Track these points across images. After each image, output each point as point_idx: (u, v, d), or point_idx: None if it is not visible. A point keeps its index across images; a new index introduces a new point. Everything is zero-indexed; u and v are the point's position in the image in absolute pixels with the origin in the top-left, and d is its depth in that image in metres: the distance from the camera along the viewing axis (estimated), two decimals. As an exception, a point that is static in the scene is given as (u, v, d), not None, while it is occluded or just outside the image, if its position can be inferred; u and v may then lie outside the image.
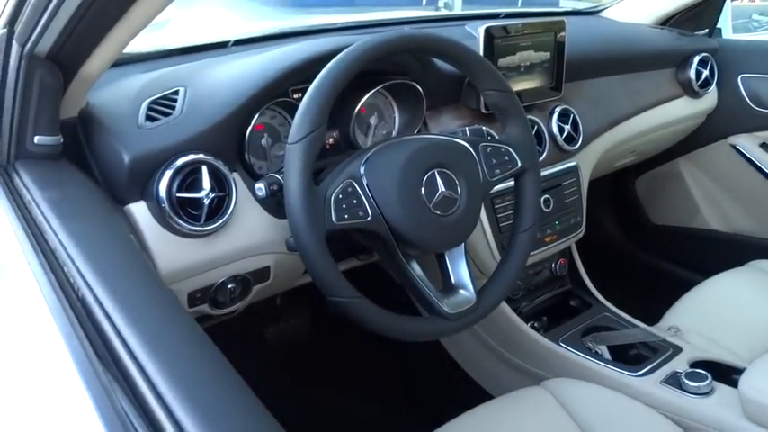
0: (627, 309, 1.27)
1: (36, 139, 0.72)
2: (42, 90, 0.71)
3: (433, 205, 0.80)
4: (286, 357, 1.56)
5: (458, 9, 2.48)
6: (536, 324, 1.25)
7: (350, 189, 0.76)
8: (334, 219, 0.74)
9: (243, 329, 1.53)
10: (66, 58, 0.70)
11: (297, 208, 0.71)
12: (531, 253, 1.09)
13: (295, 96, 0.90)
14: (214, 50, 1.09)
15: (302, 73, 0.86)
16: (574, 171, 1.28)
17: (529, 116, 1.07)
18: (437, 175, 0.81)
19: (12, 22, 0.69)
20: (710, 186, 1.71)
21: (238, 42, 1.13)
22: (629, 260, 1.92)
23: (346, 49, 0.77)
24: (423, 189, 0.80)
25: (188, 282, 0.82)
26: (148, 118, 0.80)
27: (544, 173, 1.18)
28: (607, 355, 1.13)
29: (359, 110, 0.96)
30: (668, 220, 1.83)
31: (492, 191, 0.98)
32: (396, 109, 1.06)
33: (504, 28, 1.11)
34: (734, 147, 1.61)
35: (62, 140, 0.76)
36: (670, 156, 1.74)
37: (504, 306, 1.19)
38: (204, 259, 0.81)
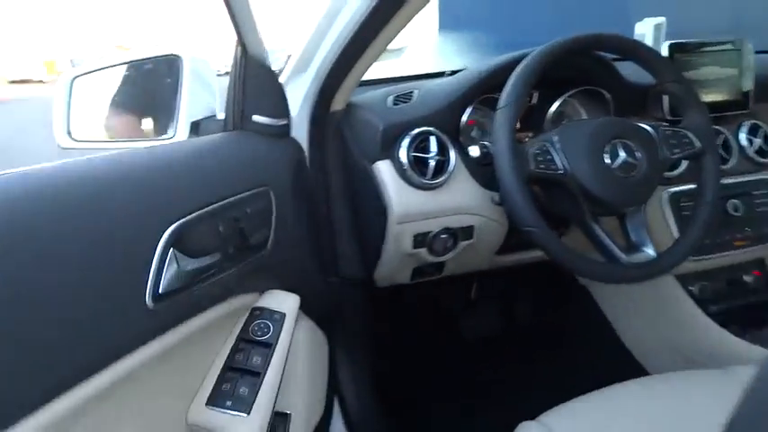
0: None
1: (253, 117, 0.96)
2: (258, 84, 0.97)
3: (615, 167, 0.97)
4: (481, 349, 1.71)
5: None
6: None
7: (545, 148, 0.97)
8: (532, 167, 0.95)
9: (437, 324, 1.73)
10: (333, 77, 1.01)
11: (504, 156, 0.93)
12: (723, 254, 1.16)
13: (497, 95, 1.15)
14: (433, 78, 1.41)
15: (501, 75, 1.08)
16: (766, 182, 1.32)
17: (715, 126, 1.18)
18: (619, 144, 0.98)
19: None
20: None
21: (453, 73, 1.44)
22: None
23: (538, 47, 1.01)
24: (607, 153, 0.97)
25: (413, 225, 1.07)
26: (394, 103, 1.12)
27: (732, 180, 1.26)
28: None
29: (552, 115, 1.18)
30: None
31: (675, 190, 1.11)
32: (584, 115, 1.25)
33: (686, 45, 1.25)
34: None
35: (283, 123, 1.00)
36: None
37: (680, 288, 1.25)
38: (427, 208, 1.06)
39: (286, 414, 0.93)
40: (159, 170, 0.73)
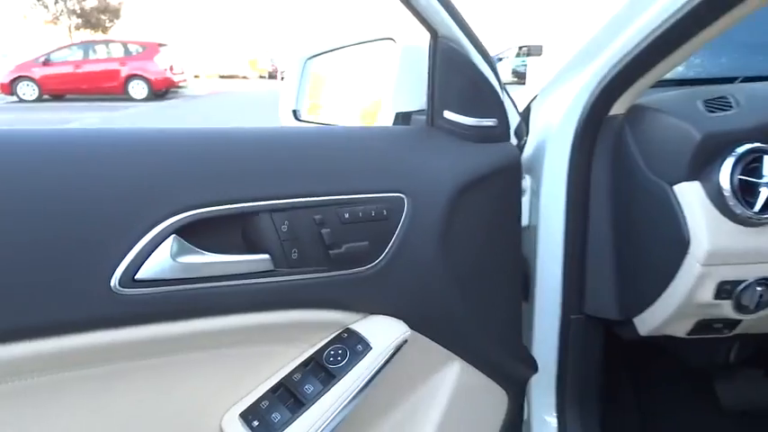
0: None
1: (445, 113, 0.80)
2: (453, 76, 0.79)
3: None
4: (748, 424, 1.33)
5: None
6: None
7: None
8: None
9: (685, 384, 1.38)
10: (627, 73, 0.79)
11: None
12: None
13: None
14: (722, 83, 1.10)
15: None
16: None
17: None
18: None
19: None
20: None
21: (746, 79, 1.14)
22: None
23: None
24: None
25: (721, 269, 0.78)
26: (707, 110, 0.84)
27: None
28: None
29: None
30: None
31: None
32: None
33: None
34: None
35: (487, 124, 0.80)
36: None
37: None
38: (748, 250, 0.78)
39: None
40: (188, 150, 0.63)
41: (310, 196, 0.66)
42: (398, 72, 0.98)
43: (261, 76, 26.61)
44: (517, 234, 0.87)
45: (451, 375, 0.81)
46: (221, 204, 0.61)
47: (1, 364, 0.53)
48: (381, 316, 0.72)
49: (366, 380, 0.67)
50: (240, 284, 0.62)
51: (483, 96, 0.80)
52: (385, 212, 0.70)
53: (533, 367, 0.94)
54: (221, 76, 26.21)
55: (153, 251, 0.56)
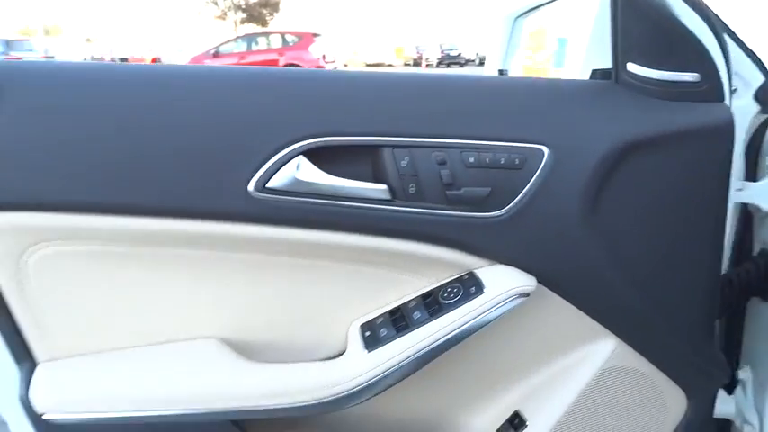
0: None
1: (628, 65, 0.69)
2: (640, 21, 0.68)
3: None
4: None
5: None
6: None
7: None
8: None
9: None
10: None
11: None
12: None
13: None
14: None
15: None
16: None
17: None
18: None
19: None
20: None
21: None
22: None
23: None
24: None
25: None
26: None
27: None
28: None
29: None
30: None
31: None
32: None
33: None
34: None
35: (687, 79, 0.67)
36: None
37: None
38: None
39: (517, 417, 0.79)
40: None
41: (434, 137, 0.68)
42: (595, 24, 0.89)
43: (406, 64, 26.97)
44: (715, 217, 0.71)
45: (602, 354, 0.75)
46: (344, 135, 0.67)
47: (158, 234, 0.66)
48: (508, 266, 0.70)
49: (472, 320, 0.68)
50: (356, 206, 0.67)
51: (678, 46, 0.67)
52: (517, 162, 0.68)
53: (725, 374, 0.80)
54: (367, 65, 26.94)
55: (282, 167, 0.65)
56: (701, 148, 0.69)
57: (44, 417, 0.66)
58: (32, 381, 0.66)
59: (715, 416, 0.84)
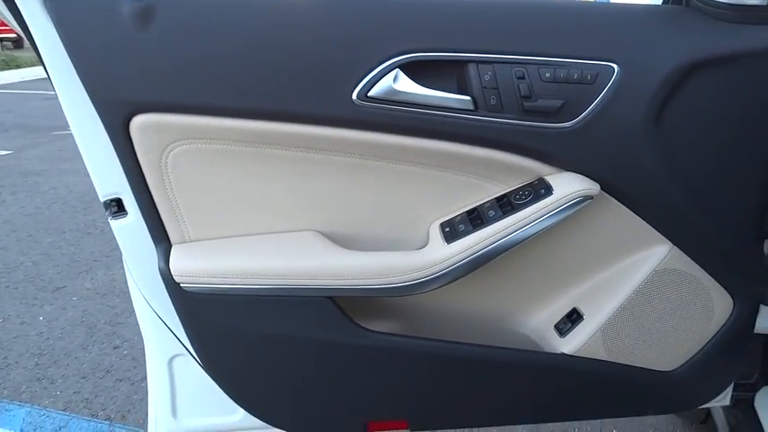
0: None
1: None
2: None
3: None
4: None
5: None
6: None
7: None
8: None
9: None
10: None
11: None
12: None
13: None
14: None
15: None
16: None
17: None
18: None
19: None
20: None
21: None
22: None
23: None
24: None
25: None
26: None
27: None
28: None
29: None
30: None
31: None
32: None
33: None
34: None
35: (752, 2, 0.71)
36: None
37: None
38: None
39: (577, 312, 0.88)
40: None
41: (515, 54, 0.74)
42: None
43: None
44: None
45: (657, 256, 0.83)
46: (436, 51, 0.73)
47: (275, 135, 0.75)
48: (575, 174, 0.77)
49: (541, 218, 0.77)
50: (445, 115, 0.74)
51: None
52: (589, 77, 0.73)
53: None
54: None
55: (382, 78, 0.72)
56: (765, 69, 0.73)
57: (181, 285, 0.79)
58: (170, 257, 0.79)
59: (756, 331, 0.91)
